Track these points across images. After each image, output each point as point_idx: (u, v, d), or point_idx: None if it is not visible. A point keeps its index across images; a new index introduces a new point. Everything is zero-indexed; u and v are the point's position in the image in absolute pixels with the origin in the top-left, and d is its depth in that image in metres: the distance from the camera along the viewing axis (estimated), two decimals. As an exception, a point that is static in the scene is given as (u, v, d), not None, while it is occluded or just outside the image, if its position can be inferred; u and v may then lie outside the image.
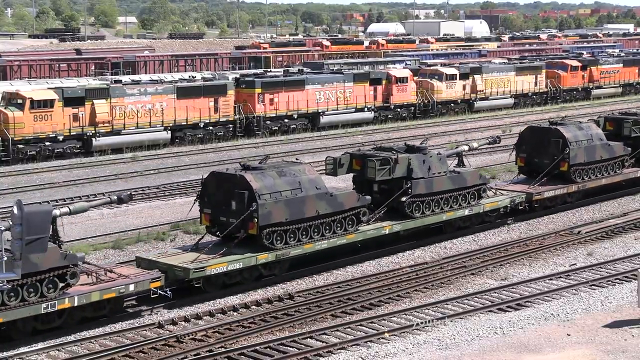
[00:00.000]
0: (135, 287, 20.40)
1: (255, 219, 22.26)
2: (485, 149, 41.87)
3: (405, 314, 20.51)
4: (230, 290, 22.42)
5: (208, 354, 18.20)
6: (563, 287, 22.49)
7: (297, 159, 26.40)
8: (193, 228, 28.29)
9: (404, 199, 26.01)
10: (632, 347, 17.46)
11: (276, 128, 51.14)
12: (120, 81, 48.39)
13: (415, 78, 59.01)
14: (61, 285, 19.12)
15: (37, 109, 41.63)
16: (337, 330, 19.46)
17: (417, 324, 19.63)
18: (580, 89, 69.73)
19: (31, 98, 41.68)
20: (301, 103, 51.87)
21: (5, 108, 41.52)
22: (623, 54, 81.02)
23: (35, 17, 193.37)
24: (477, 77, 61.62)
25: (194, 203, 23.83)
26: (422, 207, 26.53)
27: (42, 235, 18.33)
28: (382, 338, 18.92)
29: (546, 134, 31.41)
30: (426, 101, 58.84)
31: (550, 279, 23.37)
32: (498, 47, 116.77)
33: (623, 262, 24.93)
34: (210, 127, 48.20)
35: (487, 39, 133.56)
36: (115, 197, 22.18)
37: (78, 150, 43.49)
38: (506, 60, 74.40)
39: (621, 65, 73.11)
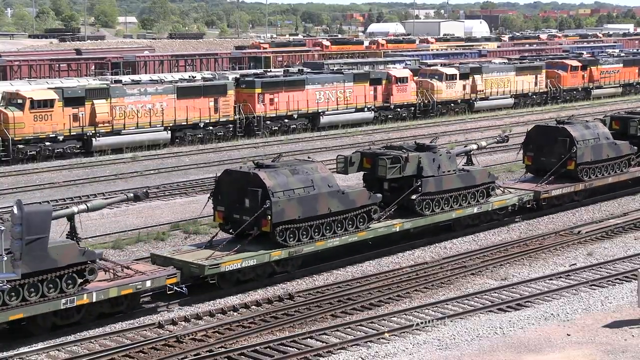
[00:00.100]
0: (152, 284, 20.66)
1: (269, 217, 22.48)
2: (485, 149, 41.81)
3: (405, 314, 20.51)
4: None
5: (208, 354, 18.19)
6: (563, 287, 22.49)
7: (309, 157, 26.52)
8: (193, 228, 28.33)
9: (414, 196, 26.25)
10: (632, 347, 17.46)
11: (276, 128, 51.14)
12: (120, 81, 48.41)
13: (415, 78, 59.02)
14: (80, 281, 19.39)
15: (37, 109, 41.63)
16: (337, 330, 19.46)
17: (417, 324, 19.63)
18: (580, 89, 69.73)
19: (31, 98, 41.68)
20: (301, 103, 51.87)
21: (5, 108, 41.53)
22: (623, 54, 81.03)
23: (35, 17, 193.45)
24: (477, 77, 61.63)
25: (207, 201, 24.06)
26: (432, 205, 26.80)
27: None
28: (382, 338, 18.92)
29: (553, 133, 31.62)
30: (426, 101, 58.84)
31: (550, 279, 23.36)
32: (498, 47, 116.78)
33: (623, 262, 24.93)
34: (210, 127, 48.20)
35: (487, 39, 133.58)
36: (132, 195, 22.42)
37: (78, 150, 43.49)
38: (506, 60, 74.39)
39: (621, 65, 73.12)
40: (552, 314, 19.87)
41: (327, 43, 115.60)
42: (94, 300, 19.65)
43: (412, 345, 18.16)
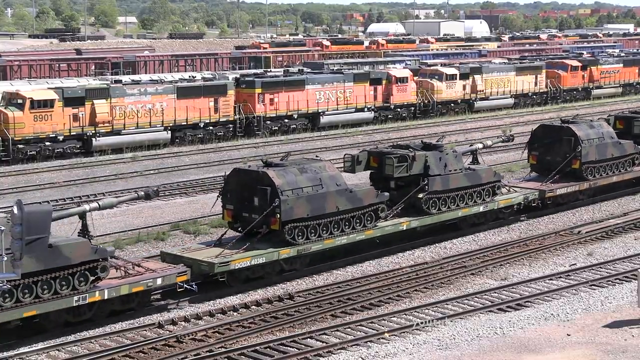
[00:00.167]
0: (162, 281, 20.84)
1: (278, 215, 22.66)
2: (486, 149, 41.83)
3: (405, 314, 20.51)
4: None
5: (208, 354, 18.20)
6: (563, 287, 22.49)
7: (317, 156, 26.67)
8: (193, 228, 28.34)
9: (420, 195, 26.41)
10: (632, 347, 17.46)
11: (276, 128, 51.13)
12: (120, 81, 48.39)
13: (415, 78, 59.00)
14: (92, 278, 19.58)
15: (37, 109, 41.63)
16: (337, 330, 19.46)
17: (417, 324, 19.63)
18: (580, 89, 69.73)
19: (31, 98, 41.68)
20: (301, 103, 51.87)
21: (5, 108, 41.52)
22: (623, 54, 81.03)
23: (35, 17, 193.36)
24: (477, 77, 61.63)
25: (217, 199, 24.18)
26: (439, 204, 26.96)
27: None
28: (382, 338, 18.92)
29: (558, 132, 31.81)
30: (426, 101, 58.83)
31: (550, 279, 23.37)
32: (498, 47, 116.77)
33: (623, 262, 24.93)
34: (210, 127, 48.20)
35: (487, 39, 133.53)
36: (143, 193, 22.61)
37: (78, 150, 43.49)
38: (506, 60, 74.40)
39: (621, 65, 73.12)
40: (552, 314, 19.87)
41: (327, 43, 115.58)
42: (106, 297, 19.86)
43: (412, 345, 18.17)
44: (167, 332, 19.56)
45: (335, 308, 21.03)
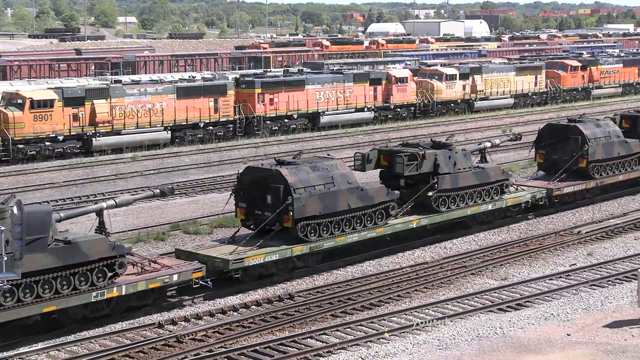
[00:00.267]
0: (178, 277, 21.05)
1: (291, 212, 22.87)
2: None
3: (405, 314, 20.51)
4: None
5: (208, 354, 18.19)
6: (563, 287, 22.49)
7: (328, 155, 26.86)
8: (193, 228, 28.35)
9: (430, 193, 26.61)
10: (632, 347, 17.47)
11: (276, 128, 51.14)
12: (120, 81, 48.41)
13: (415, 78, 59.01)
14: (110, 274, 19.79)
15: (37, 109, 41.63)
16: (337, 330, 19.46)
17: (417, 324, 19.63)
18: (580, 89, 69.74)
19: (31, 98, 41.68)
20: (301, 103, 51.87)
21: (5, 108, 41.53)
22: (623, 54, 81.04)
23: (35, 17, 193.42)
24: (477, 77, 61.63)
25: (230, 197, 24.36)
26: (448, 202, 27.15)
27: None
28: (382, 338, 18.92)
29: (565, 131, 32.01)
30: (426, 101, 58.84)
31: (550, 279, 23.36)
32: (498, 47, 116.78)
33: (623, 262, 24.93)
34: (210, 127, 48.20)
35: (487, 39, 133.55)
36: (158, 191, 22.94)
37: (78, 150, 43.50)
38: (506, 60, 74.41)
39: (621, 65, 73.13)
40: (552, 314, 19.87)
41: (327, 43, 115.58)
42: (123, 293, 20.08)
43: (412, 345, 18.16)
44: (167, 332, 19.55)
45: (335, 308, 21.02)
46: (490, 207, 28.50)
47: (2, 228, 17.07)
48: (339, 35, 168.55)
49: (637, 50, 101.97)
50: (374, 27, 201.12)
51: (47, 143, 42.17)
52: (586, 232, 28.16)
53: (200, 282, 21.47)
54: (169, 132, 46.49)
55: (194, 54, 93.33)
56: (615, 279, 23.21)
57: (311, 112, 52.60)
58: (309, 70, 60.53)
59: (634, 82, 74.64)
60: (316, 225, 23.56)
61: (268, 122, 50.63)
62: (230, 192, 24.43)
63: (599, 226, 28.96)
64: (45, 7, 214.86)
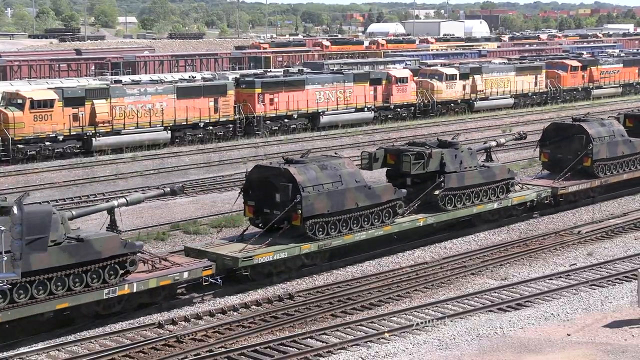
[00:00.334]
0: (189, 275, 21.21)
1: (299, 211, 23.05)
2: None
3: (405, 314, 20.51)
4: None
5: (208, 354, 18.20)
6: (563, 287, 22.49)
7: (335, 153, 27.02)
8: (193, 228, 28.34)
9: (437, 192, 26.78)
10: (632, 347, 17.47)
11: (276, 128, 51.13)
12: (120, 81, 48.40)
13: (415, 78, 59.00)
14: (121, 272, 19.97)
15: (37, 109, 41.63)
16: (337, 330, 19.46)
17: (417, 324, 19.63)
18: (580, 89, 69.73)
19: (31, 98, 41.68)
20: (301, 103, 51.87)
21: (5, 108, 41.53)
22: (623, 54, 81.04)
23: (35, 17, 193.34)
24: (477, 77, 61.62)
25: (238, 196, 24.53)
26: (454, 201, 27.32)
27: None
28: (382, 338, 18.92)
29: (570, 130, 32.16)
30: (426, 101, 58.84)
31: (550, 279, 23.37)
32: (498, 47, 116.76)
33: (623, 262, 24.94)
34: (210, 127, 48.20)
35: (487, 39, 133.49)
36: (169, 189, 23.29)
37: (78, 150, 43.50)
38: (506, 60, 74.39)
39: (621, 65, 73.12)
40: (552, 314, 19.88)
41: (327, 43, 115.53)
42: (135, 290, 20.24)
43: (412, 345, 18.17)
44: (167, 332, 19.56)
45: (335, 308, 21.03)
46: (495, 205, 28.68)
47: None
48: (339, 36, 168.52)
49: (637, 50, 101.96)
50: (374, 27, 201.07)
51: (47, 143, 42.17)
52: (586, 232, 28.17)
53: (210, 279, 21.68)
54: (169, 132, 46.49)
55: (194, 54, 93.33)
56: (615, 279, 23.22)
57: (311, 112, 52.60)
58: (309, 70, 60.53)
59: (634, 82, 74.62)
60: (324, 223, 23.76)
61: (268, 122, 50.63)
62: (239, 191, 24.60)
63: (599, 226, 28.97)
64: (45, 7, 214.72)
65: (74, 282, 19.22)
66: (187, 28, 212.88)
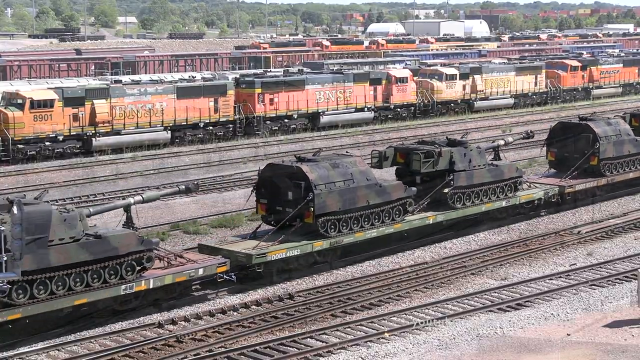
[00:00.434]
0: (204, 272, 21.43)
1: (312, 208, 23.27)
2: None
3: (405, 314, 20.51)
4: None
5: (208, 354, 18.19)
6: (563, 287, 22.49)
7: (347, 152, 27.18)
8: (193, 228, 28.34)
9: (446, 190, 27.03)
10: (632, 347, 17.47)
11: (276, 128, 51.13)
12: (120, 81, 48.40)
13: (415, 78, 59.00)
14: (138, 268, 20.17)
15: (37, 109, 41.63)
16: (337, 330, 19.46)
17: (417, 324, 19.63)
18: (580, 89, 69.73)
19: (31, 98, 41.68)
20: (301, 103, 51.86)
21: (5, 108, 41.52)
22: (623, 54, 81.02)
23: (35, 17, 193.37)
24: (477, 77, 61.62)
25: (251, 194, 24.70)
26: (464, 199, 27.54)
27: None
28: (382, 338, 18.92)
29: (576, 129, 32.34)
30: (426, 101, 58.83)
31: (550, 279, 23.37)
32: (498, 47, 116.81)
33: (623, 262, 24.93)
34: (210, 127, 48.19)
35: (487, 39, 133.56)
36: (184, 187, 23.45)
37: (78, 150, 43.49)
38: (506, 60, 74.40)
39: (621, 65, 73.13)
40: (552, 314, 19.88)
41: (327, 43, 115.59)
42: (151, 286, 20.43)
43: (412, 345, 18.17)
44: (167, 332, 19.55)
45: (335, 308, 21.02)
46: (504, 203, 28.92)
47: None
48: (339, 35, 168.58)
49: (637, 50, 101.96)
50: (373, 27, 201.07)
51: (47, 143, 42.16)
52: (586, 232, 28.17)
53: (225, 276, 21.88)
54: (169, 132, 46.48)
55: (194, 54, 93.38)
56: (615, 279, 23.22)
57: (311, 112, 52.59)
58: (309, 70, 60.55)
59: (634, 82, 74.62)
60: (336, 220, 23.97)
61: (268, 122, 50.62)
62: (252, 189, 24.80)
63: (599, 226, 28.97)
64: (45, 7, 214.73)
65: (92, 278, 19.42)
66: (187, 28, 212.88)
